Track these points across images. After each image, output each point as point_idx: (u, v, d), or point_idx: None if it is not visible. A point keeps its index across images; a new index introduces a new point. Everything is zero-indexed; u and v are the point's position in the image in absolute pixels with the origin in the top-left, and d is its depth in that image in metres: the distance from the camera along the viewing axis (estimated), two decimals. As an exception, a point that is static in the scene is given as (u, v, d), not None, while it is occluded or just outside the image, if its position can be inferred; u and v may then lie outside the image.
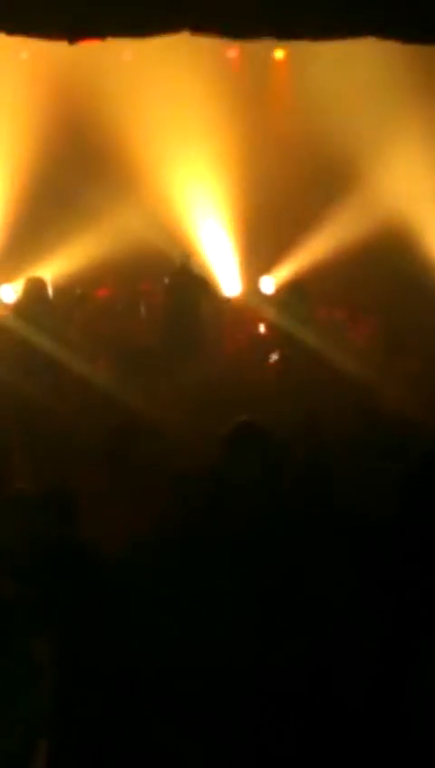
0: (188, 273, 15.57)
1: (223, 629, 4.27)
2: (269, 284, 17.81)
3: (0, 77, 16.32)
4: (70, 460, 8.47)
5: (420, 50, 13.68)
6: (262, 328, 16.84)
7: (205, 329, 15.77)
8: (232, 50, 17.27)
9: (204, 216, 17.52)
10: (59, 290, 15.94)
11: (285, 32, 13.34)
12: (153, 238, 17.02)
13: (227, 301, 17.15)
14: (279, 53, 17.64)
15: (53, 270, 16.66)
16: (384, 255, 16.55)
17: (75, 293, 16.25)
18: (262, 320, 16.89)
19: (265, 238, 17.60)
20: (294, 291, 15.56)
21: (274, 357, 15.43)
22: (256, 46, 16.47)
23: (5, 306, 16.80)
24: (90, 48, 14.73)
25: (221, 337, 16.36)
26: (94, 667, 3.66)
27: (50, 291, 16.18)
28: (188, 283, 15.71)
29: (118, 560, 4.56)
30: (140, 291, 16.71)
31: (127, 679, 3.70)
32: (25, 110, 16.52)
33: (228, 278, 17.82)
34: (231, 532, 4.52)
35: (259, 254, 17.68)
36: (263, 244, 17.65)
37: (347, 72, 16.55)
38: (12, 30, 12.51)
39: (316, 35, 13.26)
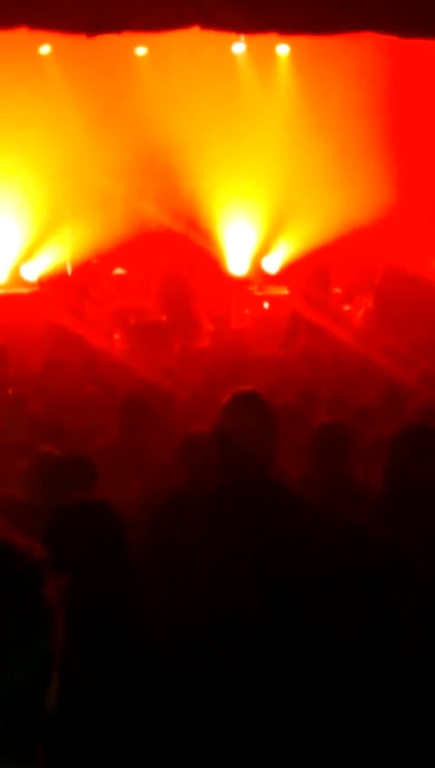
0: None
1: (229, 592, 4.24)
2: (272, 264, 17.81)
3: (21, 70, 16.15)
4: (89, 426, 8.42)
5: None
6: (266, 305, 16.81)
7: (200, 305, 15.80)
8: (238, 45, 17.13)
9: (212, 201, 17.44)
10: (78, 267, 15.95)
11: (287, 27, 13.30)
12: (164, 220, 17.04)
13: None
14: (282, 49, 17.51)
15: (71, 249, 16.67)
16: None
17: (92, 264, 16.28)
18: (266, 298, 16.88)
19: (267, 221, 17.61)
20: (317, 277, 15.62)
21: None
22: (260, 41, 16.47)
23: (29, 284, 16.83)
24: (106, 43, 14.69)
25: (228, 313, 16.34)
26: (104, 621, 3.61)
27: (69, 269, 16.24)
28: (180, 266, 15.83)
29: (133, 518, 4.52)
30: (152, 269, 16.64)
31: (133, 640, 3.64)
32: (45, 102, 16.42)
33: (235, 258, 17.77)
34: (235, 490, 4.50)
35: (262, 235, 17.69)
36: (265, 227, 17.65)
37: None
38: (35, 23, 12.47)
39: (317, 30, 13.22)
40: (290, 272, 17.11)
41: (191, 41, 14.77)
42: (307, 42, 15.88)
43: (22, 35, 13.89)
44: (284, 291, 16.53)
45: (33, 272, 17.01)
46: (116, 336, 15.18)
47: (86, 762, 3.15)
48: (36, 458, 6.13)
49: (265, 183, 17.09)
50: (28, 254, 17.07)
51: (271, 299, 16.74)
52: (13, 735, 2.07)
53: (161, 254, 16.39)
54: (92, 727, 3.29)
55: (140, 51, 17.15)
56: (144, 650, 3.66)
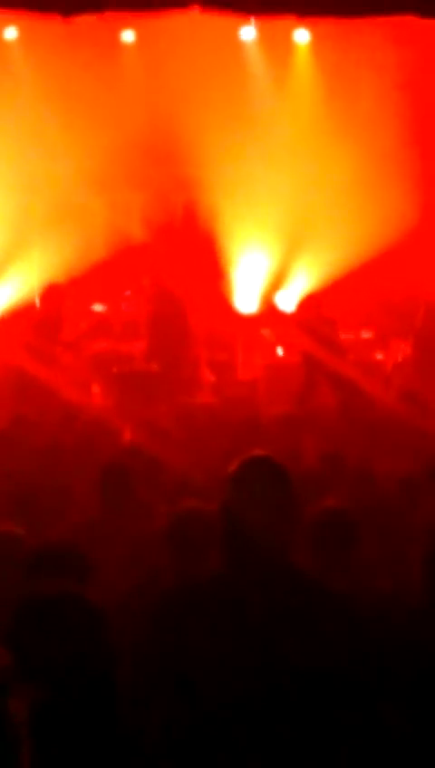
0: None
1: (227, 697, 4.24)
2: (288, 301, 17.83)
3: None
4: (62, 499, 8.41)
5: None
6: (280, 351, 16.86)
7: (199, 350, 15.83)
8: (247, 30, 17.25)
9: (213, 222, 17.53)
10: (48, 299, 15.99)
11: (308, 9, 13.41)
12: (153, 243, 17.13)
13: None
14: (301, 35, 17.62)
15: (41, 276, 16.70)
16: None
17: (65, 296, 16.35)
18: (281, 342, 16.93)
19: (280, 248, 17.68)
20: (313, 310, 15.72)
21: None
22: (274, 26, 16.59)
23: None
24: (86, 26, 14.80)
25: (234, 360, 16.36)
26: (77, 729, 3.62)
27: (37, 301, 16.26)
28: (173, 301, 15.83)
29: (116, 617, 4.50)
30: (139, 304, 16.70)
31: (112, 741, 3.67)
32: (9, 98, 16.52)
33: (242, 292, 17.81)
34: (246, 579, 4.49)
35: (275, 265, 17.76)
36: (279, 255, 17.72)
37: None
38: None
39: (345, 13, 13.33)
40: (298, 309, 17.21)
41: (189, 25, 14.88)
42: (331, 28, 16.06)
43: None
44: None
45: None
46: (95, 388, 15.19)
47: None
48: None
49: (277, 200, 17.16)
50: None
51: (286, 344, 16.77)
52: None
53: (150, 285, 16.40)
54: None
55: (127, 36, 17.28)
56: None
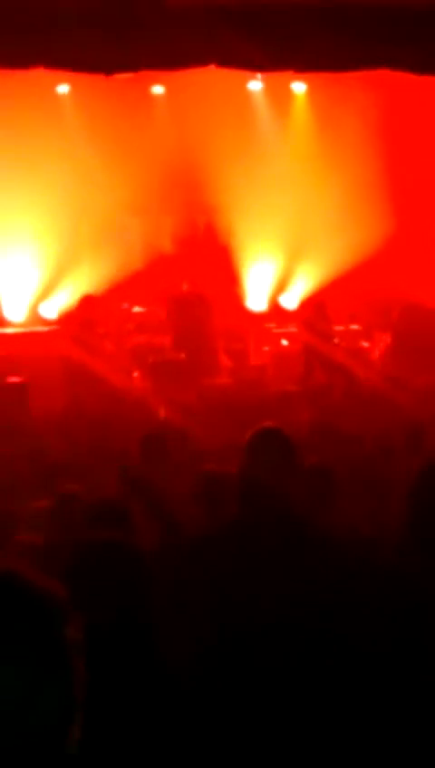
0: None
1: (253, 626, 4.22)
2: (291, 301, 17.84)
3: (40, 109, 16.21)
4: (106, 465, 8.40)
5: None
6: (284, 342, 16.82)
7: (218, 342, 15.81)
8: (254, 83, 17.21)
9: (229, 238, 17.51)
10: (95, 303, 15.97)
11: (304, 65, 13.35)
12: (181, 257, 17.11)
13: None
14: (299, 86, 17.58)
15: (92, 283, 16.69)
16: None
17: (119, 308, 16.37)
18: (285, 335, 16.88)
19: (283, 258, 17.67)
20: (317, 310, 15.76)
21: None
22: (276, 79, 16.54)
23: (47, 322, 16.85)
24: (124, 82, 14.76)
25: (246, 349, 16.34)
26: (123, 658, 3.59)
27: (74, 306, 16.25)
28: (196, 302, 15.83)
29: (153, 557, 4.49)
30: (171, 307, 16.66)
31: (155, 677, 3.62)
32: (62, 140, 16.47)
33: (253, 295, 17.80)
34: (259, 529, 4.49)
35: (279, 272, 17.76)
36: (282, 264, 17.72)
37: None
38: (52, 63, 12.51)
39: (333, 68, 13.28)
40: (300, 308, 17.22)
41: (208, 79, 14.83)
42: (323, 80, 15.99)
43: (40, 75, 13.94)
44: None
45: (52, 310, 17.02)
46: (135, 374, 15.16)
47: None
48: (61, 499, 6.09)
49: (280, 219, 17.12)
50: (46, 293, 17.08)
51: (289, 336, 16.73)
52: None
53: (178, 291, 16.39)
54: (112, 762, 3.26)
55: (157, 89, 17.22)
56: (167, 690, 3.63)
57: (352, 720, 4.07)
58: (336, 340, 15.94)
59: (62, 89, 16.75)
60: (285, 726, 4.12)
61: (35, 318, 16.99)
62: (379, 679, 4.13)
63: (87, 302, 15.66)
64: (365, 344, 16.56)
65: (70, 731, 2.07)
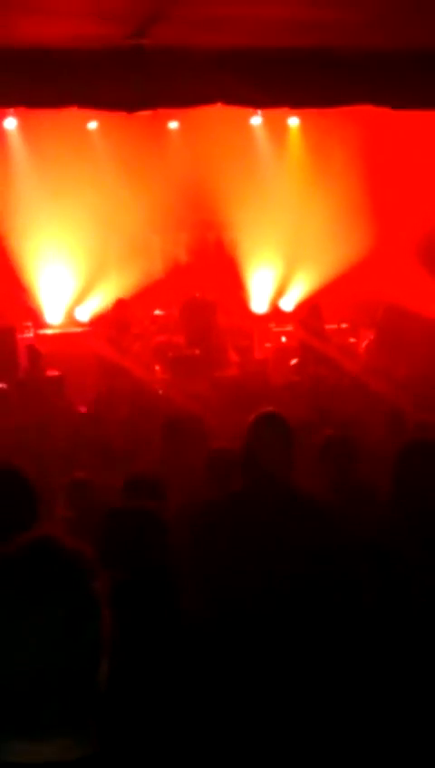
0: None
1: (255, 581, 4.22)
2: (288, 304, 17.84)
3: (74, 142, 16.25)
4: (136, 446, 8.41)
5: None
6: (283, 339, 16.82)
7: (226, 340, 15.82)
8: (255, 118, 17.21)
9: (235, 250, 17.51)
10: (124, 308, 16.03)
11: (297, 102, 13.34)
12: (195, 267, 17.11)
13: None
14: (293, 120, 17.58)
15: (118, 290, 16.72)
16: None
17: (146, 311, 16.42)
18: (284, 333, 16.88)
19: (282, 267, 17.68)
20: (311, 311, 15.80)
21: (293, 361, 15.44)
22: (274, 115, 16.54)
23: (81, 324, 16.87)
24: (144, 118, 14.75)
25: (251, 345, 16.34)
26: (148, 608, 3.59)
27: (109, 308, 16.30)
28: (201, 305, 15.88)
29: (173, 522, 4.49)
30: (183, 311, 16.68)
31: (175, 622, 3.62)
32: (94, 168, 16.50)
33: (257, 299, 17.82)
34: (259, 496, 4.50)
35: (279, 280, 17.77)
36: (281, 272, 17.73)
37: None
38: (83, 103, 12.56)
39: (323, 104, 13.26)
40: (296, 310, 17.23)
41: (216, 115, 14.82)
42: (314, 115, 15.98)
43: (73, 114, 13.96)
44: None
45: (85, 313, 17.04)
46: (157, 368, 15.18)
47: (133, 733, 3.11)
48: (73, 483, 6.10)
49: (278, 234, 17.15)
50: (80, 299, 17.11)
51: (287, 334, 16.74)
52: (69, 711, 2.05)
53: (189, 296, 16.42)
54: (138, 702, 3.26)
55: (172, 124, 17.21)
56: (184, 635, 3.63)
57: (347, 658, 4.07)
58: (328, 337, 15.96)
59: (92, 125, 16.75)
60: (286, 666, 4.12)
61: (71, 320, 17.03)
62: (366, 620, 4.13)
63: (120, 306, 15.78)
64: (352, 340, 16.55)
65: (99, 669, 2.08)
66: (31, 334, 16.04)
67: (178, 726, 3.30)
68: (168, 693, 3.41)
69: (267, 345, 16.76)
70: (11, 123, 16.35)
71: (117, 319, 15.58)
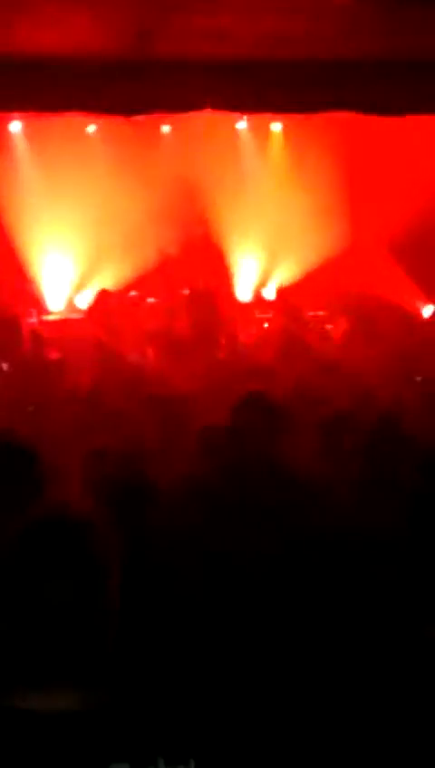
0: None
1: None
2: (270, 293, 17.83)
3: (74, 145, 16.19)
4: (130, 424, 8.37)
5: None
6: (266, 324, 16.81)
7: (222, 327, 15.81)
8: (241, 123, 17.18)
9: (222, 244, 17.49)
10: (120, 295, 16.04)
11: (279, 108, 13.35)
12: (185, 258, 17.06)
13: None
14: (276, 126, 17.55)
15: (114, 280, 16.70)
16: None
17: (130, 296, 16.34)
18: (266, 319, 16.87)
19: (265, 259, 17.67)
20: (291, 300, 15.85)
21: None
22: (258, 120, 16.53)
23: (80, 311, 16.85)
24: (139, 122, 14.70)
25: (236, 331, 16.31)
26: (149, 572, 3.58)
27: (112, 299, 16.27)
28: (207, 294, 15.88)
29: (170, 492, 4.49)
30: (180, 298, 16.63)
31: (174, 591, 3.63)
32: (93, 169, 16.44)
33: (241, 288, 17.81)
34: (242, 471, 4.49)
35: (262, 270, 17.75)
36: (264, 264, 17.70)
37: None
38: (83, 108, 12.58)
39: (302, 110, 13.28)
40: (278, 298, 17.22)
41: (204, 120, 14.79)
42: (296, 121, 15.99)
43: (74, 118, 13.94)
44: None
45: (84, 301, 17.01)
46: (148, 351, 15.14)
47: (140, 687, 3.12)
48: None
49: (261, 229, 17.18)
50: (79, 287, 17.09)
51: (269, 320, 16.73)
52: (80, 665, 2.06)
53: (196, 285, 16.44)
54: (144, 659, 3.25)
55: (165, 128, 17.12)
56: (182, 597, 3.63)
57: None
58: (306, 324, 15.95)
59: (91, 128, 16.67)
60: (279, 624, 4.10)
61: (71, 307, 17.02)
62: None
63: (103, 296, 15.82)
64: (329, 326, 16.54)
65: (109, 628, 2.09)
66: (34, 320, 16.01)
67: (183, 679, 3.31)
68: (171, 652, 3.42)
69: (251, 331, 16.73)
70: (16, 126, 16.31)
71: (103, 306, 15.63)
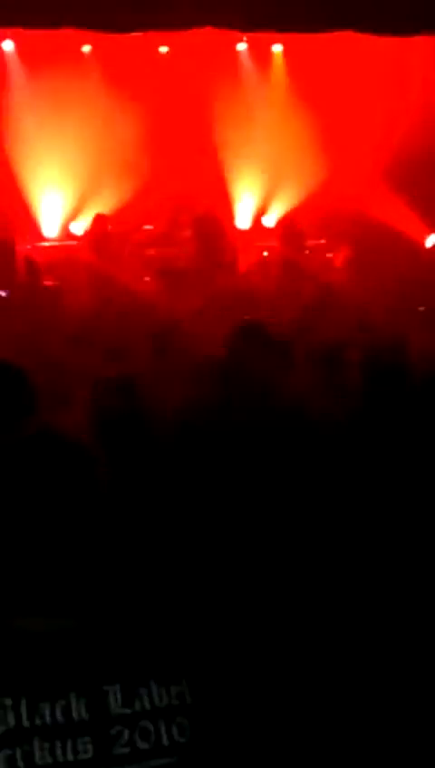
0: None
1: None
2: (270, 221, 17.73)
3: (68, 66, 15.97)
4: (127, 352, 8.37)
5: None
6: (265, 253, 16.75)
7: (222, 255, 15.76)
8: (241, 44, 16.95)
9: (222, 171, 17.34)
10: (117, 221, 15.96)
11: (282, 26, 13.22)
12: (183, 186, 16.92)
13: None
14: (277, 47, 17.32)
15: (111, 205, 16.59)
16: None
17: (126, 222, 16.28)
18: (266, 247, 16.81)
19: (264, 187, 17.55)
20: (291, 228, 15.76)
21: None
22: (259, 40, 16.32)
23: (76, 237, 16.77)
24: (136, 42, 14.53)
25: (236, 259, 16.26)
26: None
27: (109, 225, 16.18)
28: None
29: (166, 421, 4.50)
30: (179, 224, 16.53)
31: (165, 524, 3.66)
32: (87, 91, 16.25)
33: (241, 216, 17.70)
34: (238, 401, 4.50)
35: (261, 198, 17.64)
36: (263, 192, 17.58)
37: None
38: (78, 24, 12.45)
39: (305, 30, 13.14)
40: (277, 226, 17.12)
41: (204, 40, 14.61)
42: (297, 42, 15.79)
43: (68, 37, 13.76)
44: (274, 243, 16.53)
45: (79, 227, 16.92)
46: (146, 279, 15.12)
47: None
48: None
49: (263, 156, 16.99)
50: (74, 214, 16.98)
51: (269, 248, 16.67)
52: (70, 588, 2.09)
53: (183, 210, 16.31)
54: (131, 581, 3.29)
55: (163, 49, 16.88)
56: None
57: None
58: (307, 252, 15.90)
59: (86, 48, 16.44)
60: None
61: (66, 234, 16.94)
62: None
63: (100, 220, 15.74)
64: (329, 255, 16.49)
65: (98, 553, 2.12)
66: (29, 247, 15.95)
67: (174, 600, 3.35)
68: (162, 575, 3.46)
69: (251, 259, 16.68)
70: (8, 45, 16.09)
71: (100, 233, 15.57)
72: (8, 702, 1.99)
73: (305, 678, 3.27)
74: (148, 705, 2.08)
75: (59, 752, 2.00)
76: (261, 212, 17.73)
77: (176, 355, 7.47)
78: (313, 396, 5.87)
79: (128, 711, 2.07)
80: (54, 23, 12.23)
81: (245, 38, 16.46)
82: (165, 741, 2.07)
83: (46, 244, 16.40)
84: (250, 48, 17.07)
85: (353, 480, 4.18)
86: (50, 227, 16.88)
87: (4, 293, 13.17)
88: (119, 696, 2.08)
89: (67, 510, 2.06)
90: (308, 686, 3.27)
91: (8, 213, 16.18)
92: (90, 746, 2.03)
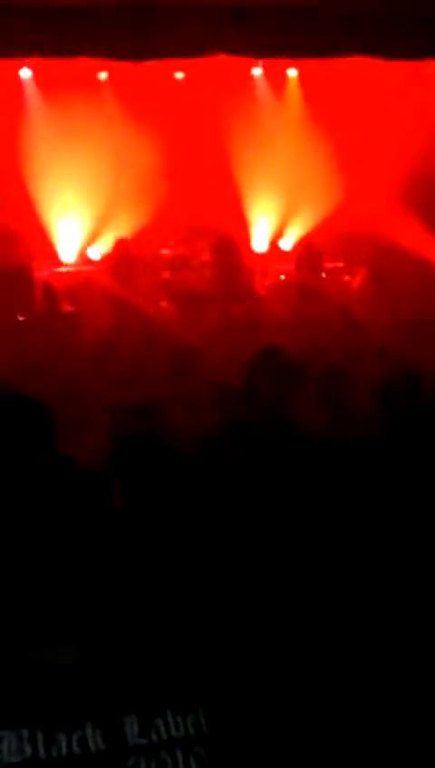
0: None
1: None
2: (287, 243, 17.77)
3: (85, 92, 16.10)
4: (144, 377, 8.39)
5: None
6: (283, 276, 16.78)
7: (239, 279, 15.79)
8: (256, 69, 17.04)
9: (240, 193, 17.39)
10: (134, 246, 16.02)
11: (295, 52, 13.28)
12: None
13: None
14: (292, 71, 17.42)
15: (128, 230, 16.65)
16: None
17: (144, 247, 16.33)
18: (282, 271, 16.84)
19: (281, 210, 17.58)
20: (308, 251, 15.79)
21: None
22: (274, 65, 16.41)
23: (93, 262, 16.84)
24: (152, 69, 14.61)
25: (253, 283, 16.30)
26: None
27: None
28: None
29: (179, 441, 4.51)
30: (196, 248, 16.58)
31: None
32: (104, 117, 16.37)
33: (258, 239, 17.75)
34: (258, 425, 4.50)
35: (278, 222, 17.66)
36: (280, 215, 17.61)
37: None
38: (92, 54, 12.54)
39: (319, 55, 13.22)
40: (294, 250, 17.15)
41: (219, 66, 14.68)
42: (312, 66, 15.87)
43: (85, 64, 13.86)
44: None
45: (96, 253, 16.99)
46: (163, 304, 15.15)
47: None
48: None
49: (279, 180, 17.02)
50: (92, 239, 17.05)
51: (286, 272, 16.70)
52: (78, 620, 2.10)
53: (199, 234, 16.36)
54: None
55: (179, 75, 16.99)
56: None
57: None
58: (324, 275, 15.92)
59: (103, 75, 16.57)
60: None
61: (84, 259, 17.01)
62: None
63: (121, 245, 15.78)
64: (347, 278, 16.51)
65: (111, 584, 2.13)
66: (46, 272, 16.02)
67: (190, 630, 3.36)
68: (179, 603, 3.46)
69: (268, 282, 16.71)
70: (26, 73, 16.23)
71: (119, 257, 15.61)
72: (25, 733, 2.00)
73: (322, 707, 3.27)
74: (165, 735, 2.07)
75: None
76: (278, 235, 17.77)
77: (193, 380, 7.48)
78: (315, 419, 5.89)
79: (144, 741, 2.07)
80: (70, 52, 12.33)
81: (260, 62, 16.54)
82: None
83: (64, 269, 16.46)
84: (265, 72, 17.16)
85: (373, 506, 4.17)
86: (67, 253, 16.96)
87: (21, 318, 13.23)
88: (135, 727, 2.08)
89: (84, 540, 2.08)
90: (325, 714, 3.28)
91: (26, 238, 16.27)
92: (107, 777, 2.03)
